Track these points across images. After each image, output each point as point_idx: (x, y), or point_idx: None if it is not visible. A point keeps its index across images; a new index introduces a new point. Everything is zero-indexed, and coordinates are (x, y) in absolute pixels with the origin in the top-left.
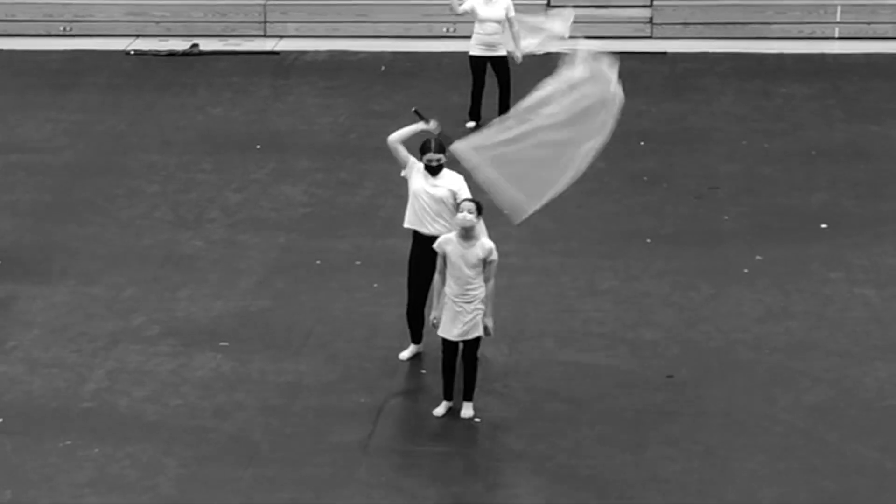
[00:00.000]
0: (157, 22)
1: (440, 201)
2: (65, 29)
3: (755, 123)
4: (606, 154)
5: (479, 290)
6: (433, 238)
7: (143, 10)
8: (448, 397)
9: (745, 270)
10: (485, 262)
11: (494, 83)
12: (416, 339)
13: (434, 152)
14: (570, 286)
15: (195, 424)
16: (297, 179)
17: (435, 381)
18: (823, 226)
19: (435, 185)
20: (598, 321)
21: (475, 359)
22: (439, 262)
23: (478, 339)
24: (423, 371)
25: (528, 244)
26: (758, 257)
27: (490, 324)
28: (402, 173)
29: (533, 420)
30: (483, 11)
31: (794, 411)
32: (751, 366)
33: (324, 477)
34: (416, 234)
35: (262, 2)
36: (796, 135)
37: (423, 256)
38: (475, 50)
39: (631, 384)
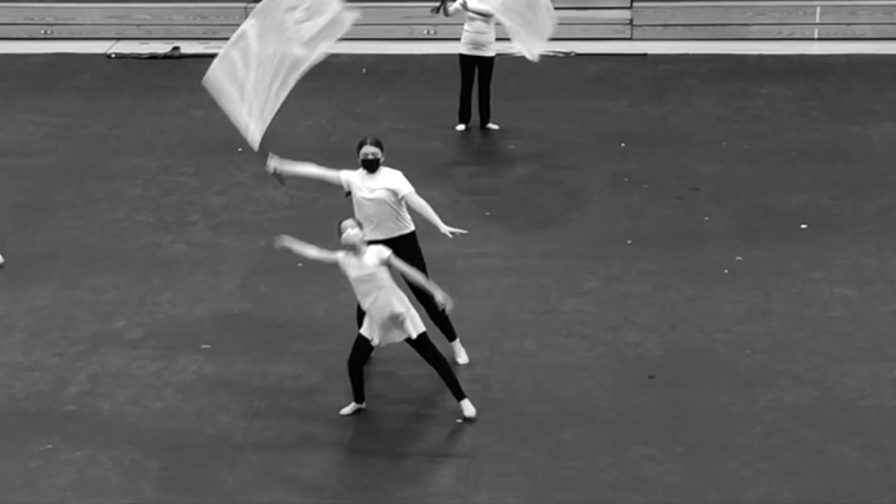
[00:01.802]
0: (139, 25)
1: (381, 203)
2: (46, 32)
3: (735, 124)
4: (587, 155)
5: (389, 294)
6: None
7: (124, 13)
8: (359, 399)
9: (726, 271)
10: (386, 264)
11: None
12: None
13: (371, 145)
14: (552, 287)
15: (177, 427)
16: (278, 182)
17: (418, 383)
18: (804, 226)
19: (372, 190)
20: (580, 322)
21: (435, 355)
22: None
23: (422, 336)
24: (404, 373)
25: (509, 245)
26: (738, 258)
27: (440, 297)
28: (346, 193)
29: (514, 421)
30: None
31: (775, 411)
32: (732, 366)
33: (306, 479)
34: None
35: (243, 4)
36: (776, 135)
37: None
38: (464, 49)
39: (612, 385)
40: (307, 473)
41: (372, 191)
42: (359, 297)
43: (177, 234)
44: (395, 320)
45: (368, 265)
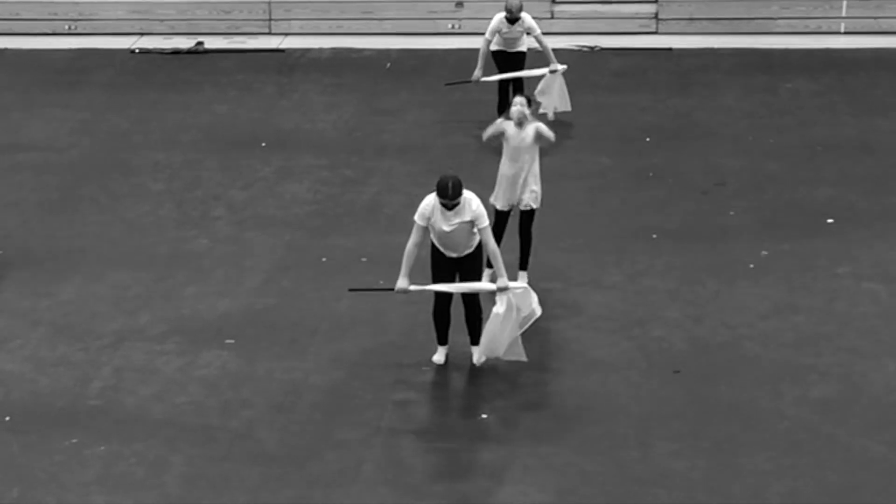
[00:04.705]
0: (162, 20)
1: (465, 230)
2: (70, 28)
3: (761, 119)
4: (612, 150)
5: (535, 166)
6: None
7: (147, 8)
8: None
9: (752, 266)
10: (540, 138)
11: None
12: (444, 340)
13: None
14: (576, 282)
15: (201, 422)
16: (302, 177)
17: (441, 378)
18: (830, 221)
19: (452, 223)
20: (605, 317)
21: (530, 231)
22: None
23: (532, 211)
24: (426, 368)
25: (534, 240)
26: (764, 252)
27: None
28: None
29: (539, 416)
30: (507, 33)
31: (801, 406)
32: (757, 361)
33: (330, 475)
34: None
35: None
36: (802, 130)
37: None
38: (496, 46)
39: (637, 380)
40: (331, 469)
41: (451, 225)
42: (508, 163)
43: (200, 230)
44: (527, 187)
45: (528, 137)
